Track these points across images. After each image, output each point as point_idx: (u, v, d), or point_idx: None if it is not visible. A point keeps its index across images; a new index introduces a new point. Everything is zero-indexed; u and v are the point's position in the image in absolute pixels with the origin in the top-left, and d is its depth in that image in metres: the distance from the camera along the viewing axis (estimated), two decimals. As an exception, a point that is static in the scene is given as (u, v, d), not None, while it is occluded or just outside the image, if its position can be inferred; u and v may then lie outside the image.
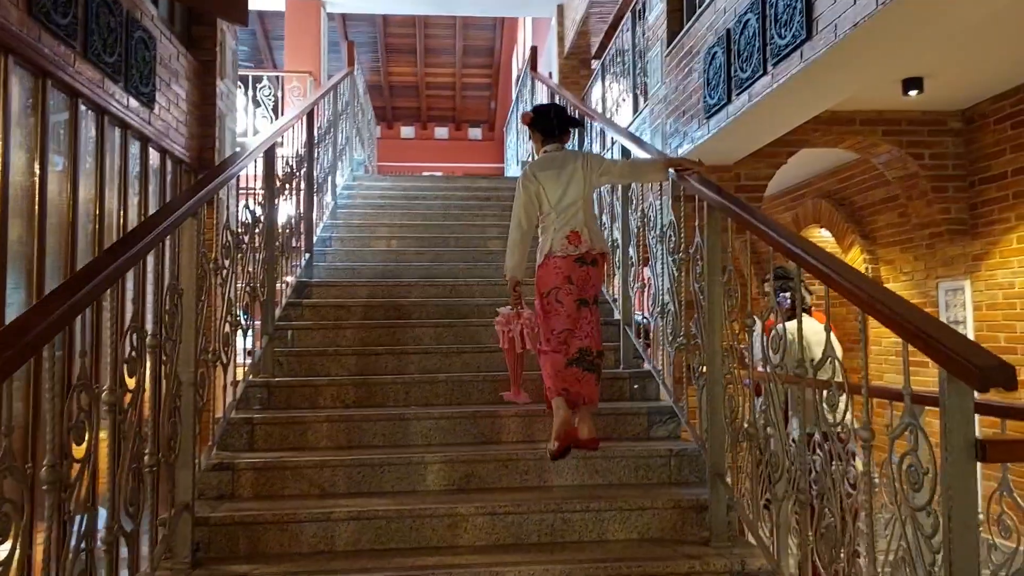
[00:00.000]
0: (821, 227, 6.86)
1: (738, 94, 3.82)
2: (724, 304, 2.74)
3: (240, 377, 3.52)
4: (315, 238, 5.44)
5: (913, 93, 4.36)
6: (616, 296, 4.41)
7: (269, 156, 3.97)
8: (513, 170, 10.24)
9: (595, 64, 9.44)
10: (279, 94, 9.66)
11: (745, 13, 3.71)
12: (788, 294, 4.09)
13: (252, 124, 9.50)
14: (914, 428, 1.59)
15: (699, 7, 4.69)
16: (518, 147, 9.51)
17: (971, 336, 5.04)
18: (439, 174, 17.27)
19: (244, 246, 3.47)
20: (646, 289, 3.99)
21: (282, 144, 4.63)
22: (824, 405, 2.01)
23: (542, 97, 7.77)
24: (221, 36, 5.03)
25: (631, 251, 3.98)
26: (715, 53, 4.15)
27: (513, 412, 3.46)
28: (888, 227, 5.93)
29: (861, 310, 1.78)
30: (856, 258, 6.23)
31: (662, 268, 3.53)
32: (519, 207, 3.21)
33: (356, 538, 2.75)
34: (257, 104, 9.61)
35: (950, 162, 5.06)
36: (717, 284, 2.79)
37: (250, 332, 3.59)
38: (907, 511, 1.62)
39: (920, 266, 5.45)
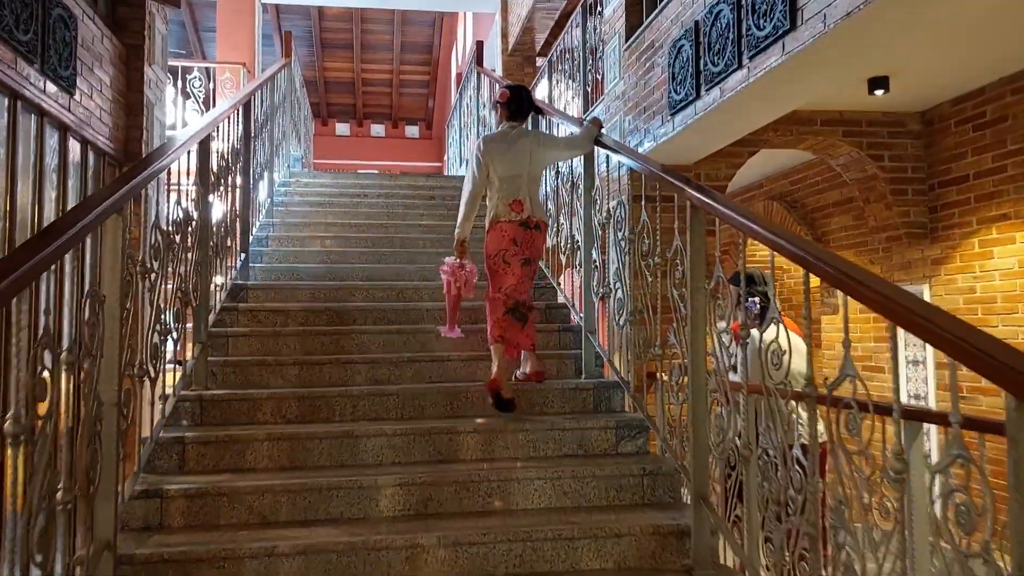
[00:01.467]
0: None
1: (708, 89, 3.64)
2: (710, 313, 2.54)
3: (170, 390, 3.17)
4: (251, 237, 5.07)
5: (879, 92, 4.27)
6: (574, 300, 4.19)
7: (203, 148, 3.61)
8: (456, 169, 9.97)
9: (540, 62, 9.24)
10: (210, 86, 9.17)
11: (717, 3, 3.54)
12: (757, 299, 3.92)
13: (181, 117, 8.99)
14: (966, 462, 1.39)
15: None
16: (461, 144, 9.24)
17: (930, 349, 5.00)
18: (377, 172, 16.92)
19: (175, 246, 3.13)
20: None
21: (216, 138, 4.28)
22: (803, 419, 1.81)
23: (487, 92, 7.52)
24: (150, 19, 4.63)
25: (594, 253, 3.76)
26: (681, 47, 3.97)
27: (472, 428, 3.21)
28: (842, 230, 5.88)
29: (893, 323, 1.59)
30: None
31: (625, 269, 3.33)
32: (470, 175, 3.60)
33: None
34: (187, 96, 9.10)
35: (909, 164, 5.01)
36: (700, 291, 2.59)
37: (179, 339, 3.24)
38: (951, 554, 1.43)
39: (876, 270, 5.39)
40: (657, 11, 4.39)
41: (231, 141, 4.50)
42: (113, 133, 4.28)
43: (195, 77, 8.73)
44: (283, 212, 6.12)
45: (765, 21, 3.10)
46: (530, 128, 3.98)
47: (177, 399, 3.23)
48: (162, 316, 2.92)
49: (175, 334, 3.09)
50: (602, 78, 6.54)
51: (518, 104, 3.67)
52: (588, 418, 3.41)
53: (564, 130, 4.54)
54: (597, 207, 3.69)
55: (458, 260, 3.76)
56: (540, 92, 7.80)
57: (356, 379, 3.73)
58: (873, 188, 5.15)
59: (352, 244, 5.55)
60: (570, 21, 7.57)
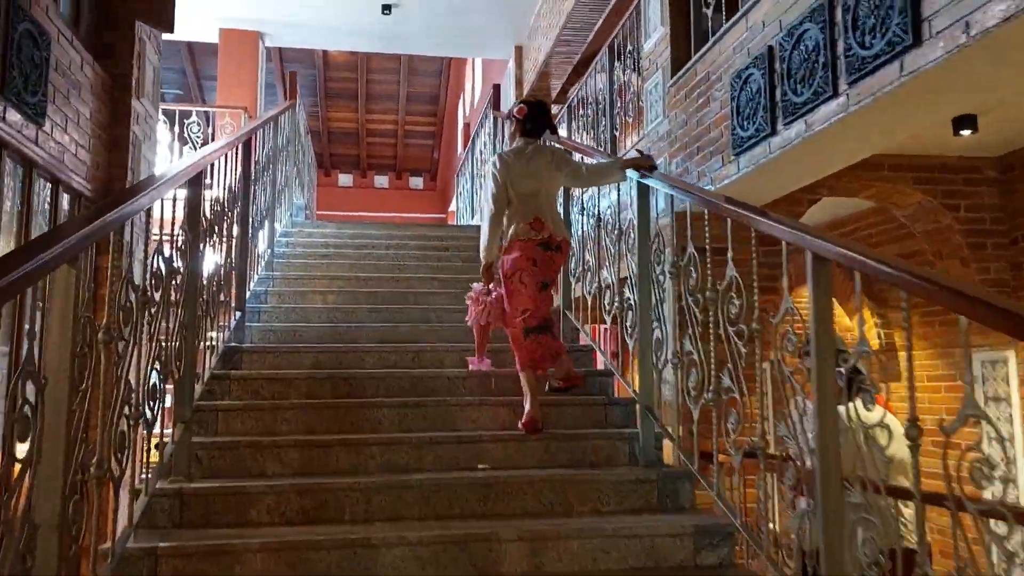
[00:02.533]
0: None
1: (787, 123, 3.10)
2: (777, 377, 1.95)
3: (144, 477, 2.54)
4: (248, 293, 4.49)
5: (965, 133, 3.73)
6: (616, 368, 3.60)
7: (195, 188, 3.05)
8: (466, 219, 9.45)
9: (556, 109, 8.80)
10: (210, 131, 8.69)
11: (800, 23, 3.02)
12: (842, 369, 3.30)
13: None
14: None
15: (714, 28, 4.02)
16: (472, 194, 8.73)
17: (1018, 416, 4.39)
18: (384, 222, 16.45)
19: (154, 306, 2.54)
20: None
21: (211, 185, 3.73)
22: None
23: (506, 135, 7.02)
24: (140, 47, 4.11)
25: (667, 325, 3.17)
26: (748, 77, 3.45)
27: (516, 535, 2.58)
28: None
29: None
30: (865, 323, 5.58)
31: (695, 332, 2.74)
32: (488, 194, 3.44)
33: None
34: (184, 142, 8.61)
35: (988, 215, 4.47)
36: (830, 368, 2.00)
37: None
38: None
39: (948, 333, 4.81)
40: (712, 41, 3.89)
41: (228, 183, 3.96)
42: (92, 172, 3.73)
43: (193, 122, 8.25)
44: (285, 264, 5.55)
45: (874, 37, 2.57)
46: (545, 145, 3.64)
47: (150, 496, 2.59)
48: (133, 396, 2.32)
49: (150, 414, 2.48)
50: (631, 119, 6.05)
51: (535, 121, 3.56)
52: (656, 519, 2.78)
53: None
54: (659, 259, 3.11)
55: (485, 286, 3.59)
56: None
57: (369, 465, 3.11)
58: (947, 241, 4.59)
59: (360, 300, 4.96)
60: (593, 65, 7.12)
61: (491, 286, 3.57)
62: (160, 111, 8.60)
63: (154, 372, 2.61)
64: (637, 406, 3.44)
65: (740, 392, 2.45)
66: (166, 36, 9.92)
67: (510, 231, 3.40)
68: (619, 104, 6.36)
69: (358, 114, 17.28)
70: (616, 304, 3.62)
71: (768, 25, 3.36)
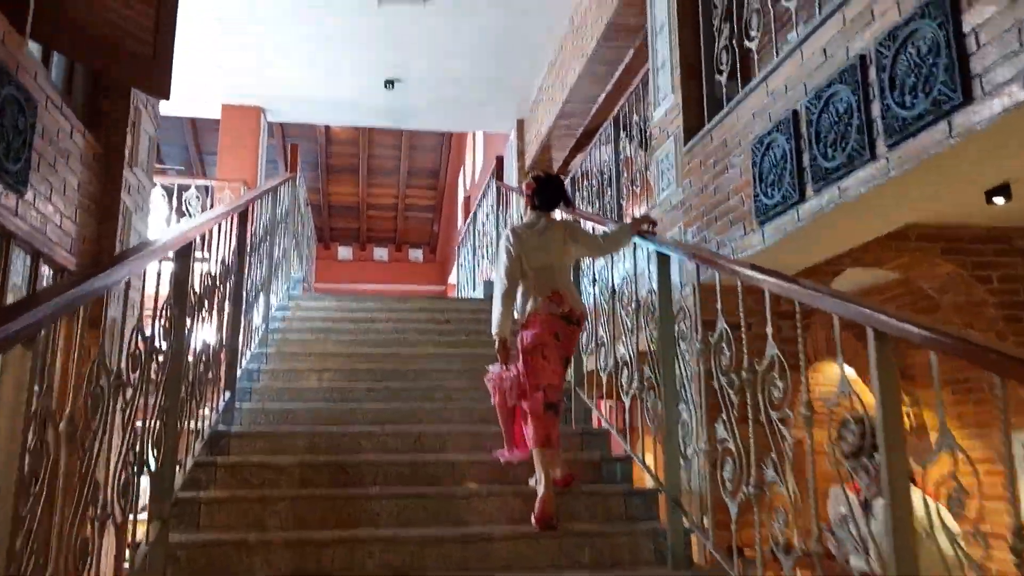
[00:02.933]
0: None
1: (818, 189, 2.91)
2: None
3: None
4: (240, 370, 4.23)
5: (999, 201, 3.54)
6: (637, 455, 3.32)
7: (182, 260, 2.83)
8: (467, 291, 9.25)
9: (561, 181, 8.69)
10: (209, 204, 8.55)
11: (828, 85, 2.85)
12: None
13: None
14: None
15: (729, 94, 3.88)
16: (474, 266, 8.55)
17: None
18: (384, 295, 16.26)
19: (131, 389, 2.29)
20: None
21: (204, 258, 3.53)
22: None
23: (514, 207, 6.89)
24: (135, 116, 3.96)
25: (693, 406, 2.91)
26: (771, 142, 3.27)
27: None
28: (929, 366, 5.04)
29: None
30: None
31: (731, 416, 2.47)
32: (502, 269, 3.33)
33: None
34: (183, 215, 8.47)
35: (1021, 286, 4.25)
36: (902, 464, 1.74)
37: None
38: None
39: (984, 413, 4.53)
40: (730, 107, 3.74)
41: (222, 255, 3.75)
42: (78, 245, 3.51)
43: (192, 195, 8.12)
44: (280, 340, 5.31)
45: (916, 96, 2.39)
46: (558, 218, 3.62)
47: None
48: (101, 495, 2.05)
49: (120, 514, 2.19)
50: (638, 189, 5.90)
51: (545, 195, 3.52)
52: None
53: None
54: (683, 335, 2.87)
55: (503, 365, 3.37)
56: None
57: (367, 565, 2.80)
58: (980, 315, 4.36)
59: (359, 378, 4.70)
60: (597, 136, 7.03)
61: (509, 366, 3.35)
62: (159, 184, 8.53)
63: (128, 464, 2.34)
64: (660, 495, 3.16)
65: (788, 487, 2.17)
66: (169, 111, 9.92)
67: (528, 306, 3.29)
68: (625, 174, 6.23)
69: (359, 188, 17.29)
70: (636, 384, 3.36)
71: (792, 89, 3.20)
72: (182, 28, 7.28)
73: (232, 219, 3.98)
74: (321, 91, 8.69)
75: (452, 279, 16.53)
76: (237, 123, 8.81)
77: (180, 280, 2.85)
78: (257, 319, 4.97)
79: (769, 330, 2.35)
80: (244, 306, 4.26)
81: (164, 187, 8.17)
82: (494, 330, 3.32)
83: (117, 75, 3.58)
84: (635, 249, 3.81)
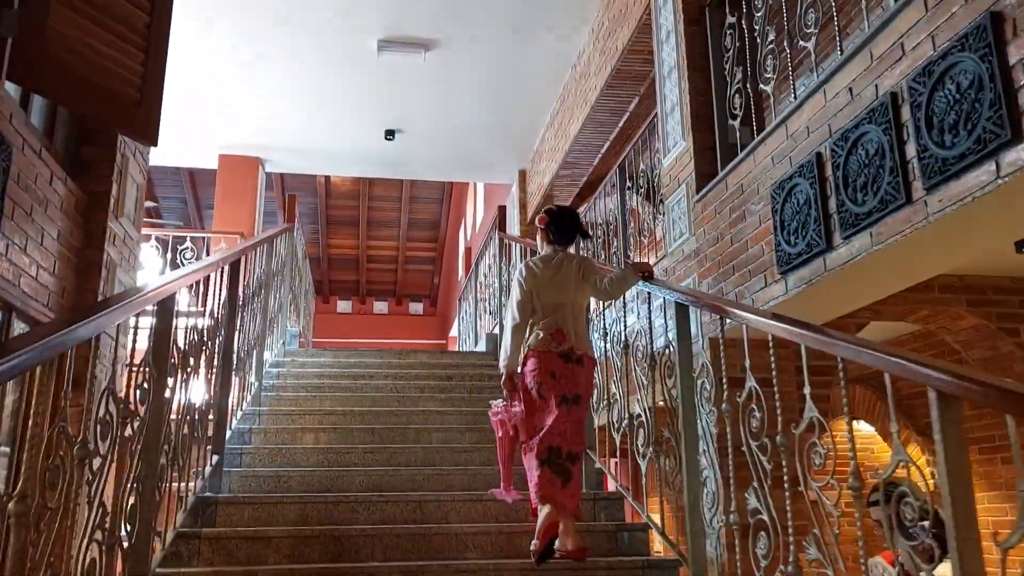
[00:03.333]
0: (856, 419, 5.71)
1: (848, 236, 2.71)
2: None
3: None
4: (229, 431, 3.99)
5: (1033, 250, 3.35)
6: (658, 526, 3.05)
7: (163, 315, 2.62)
8: (467, 345, 9.03)
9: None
10: (204, 256, 8.37)
11: (856, 126, 2.68)
12: (926, 522, 2.76)
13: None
14: None
15: (743, 140, 3.72)
16: (476, 319, 8.33)
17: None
18: (383, 350, 15.99)
19: (97, 459, 2.05)
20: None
21: (194, 312, 3.32)
22: None
23: (515, 258, 6.69)
24: (122, 163, 3.79)
25: (716, 469, 2.67)
26: (794, 187, 3.09)
27: None
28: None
29: None
30: (916, 460, 5.04)
31: (764, 482, 2.22)
32: (514, 303, 3.26)
33: None
34: (176, 267, 8.29)
35: (1052, 339, 4.04)
36: (975, 547, 1.50)
37: None
38: None
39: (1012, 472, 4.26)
40: (746, 151, 3.57)
41: (211, 309, 3.54)
42: (56, 299, 3.30)
43: (187, 247, 7.95)
44: (274, 398, 5.06)
45: (957, 135, 2.20)
46: (574, 253, 3.49)
47: None
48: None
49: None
50: (646, 240, 5.72)
51: (559, 228, 3.41)
52: None
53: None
54: (705, 394, 2.65)
55: (507, 402, 3.26)
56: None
57: (362, 653, 2.52)
58: (1007, 369, 4.13)
59: (356, 439, 4.44)
60: (602, 186, 6.90)
61: (513, 403, 3.24)
62: (153, 237, 8.37)
63: (95, 544, 2.09)
64: (681, 569, 2.89)
65: (833, 569, 1.92)
66: (165, 161, 9.83)
67: (530, 340, 3.19)
68: (632, 225, 6.07)
69: (359, 240, 17.18)
70: (652, 448, 3.12)
71: (814, 131, 3.03)
72: (179, 76, 7.27)
73: (223, 270, 3.79)
74: (321, 141, 8.60)
75: (453, 332, 16.30)
76: (234, 173, 8.69)
77: (161, 335, 2.63)
78: (250, 377, 4.74)
79: (807, 390, 2.13)
80: (235, 363, 4.03)
81: (158, 239, 8.01)
82: (501, 362, 3.27)
83: (102, 119, 3.41)
84: (649, 299, 3.61)
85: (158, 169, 13.81)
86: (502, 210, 6.90)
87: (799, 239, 3.05)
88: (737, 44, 3.94)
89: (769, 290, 3.29)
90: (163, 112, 3.56)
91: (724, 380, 2.66)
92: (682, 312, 2.96)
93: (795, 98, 3.27)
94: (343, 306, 18.28)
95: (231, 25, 6.50)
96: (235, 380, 4.08)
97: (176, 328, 2.79)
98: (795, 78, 3.42)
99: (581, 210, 9.74)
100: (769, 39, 3.55)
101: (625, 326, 3.90)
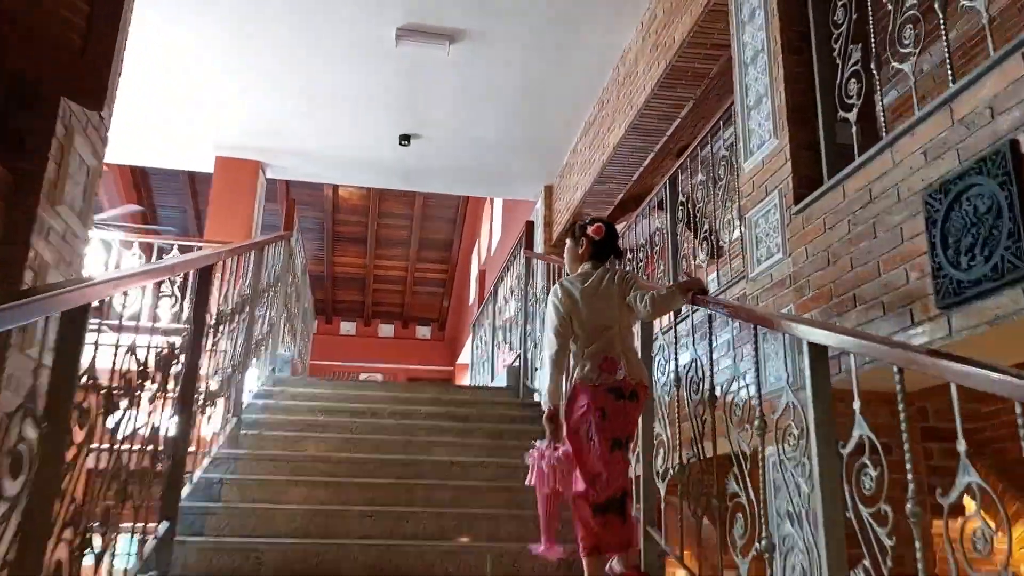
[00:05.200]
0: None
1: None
2: None
3: None
4: (189, 487, 3.12)
5: None
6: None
7: (73, 328, 1.78)
8: (479, 376, 8.14)
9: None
10: (193, 269, 7.52)
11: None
12: None
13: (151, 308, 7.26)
14: None
15: (861, 142, 2.87)
16: (493, 349, 7.44)
17: None
18: (388, 382, 15.19)
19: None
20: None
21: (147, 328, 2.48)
22: None
23: (541, 278, 5.84)
24: (65, 137, 2.95)
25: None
26: (965, 191, 2.25)
27: None
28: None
29: None
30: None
31: None
32: (550, 328, 2.89)
33: None
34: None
35: None
36: None
37: None
38: None
39: None
40: (880, 146, 2.71)
41: (166, 326, 2.68)
42: (-45, 308, 2.42)
43: (172, 257, 7.10)
44: (255, 438, 4.18)
45: None
46: (613, 267, 3.08)
47: None
48: None
49: None
50: (703, 262, 4.85)
51: (607, 245, 3.06)
52: None
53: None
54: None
55: (550, 443, 2.79)
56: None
57: None
58: None
59: (352, 496, 3.57)
60: (647, 202, 6.04)
61: (558, 443, 2.80)
62: (135, 244, 7.54)
63: None
64: None
65: None
66: (160, 163, 9.02)
67: (575, 373, 2.83)
68: (685, 247, 5.20)
69: (366, 259, 16.34)
70: (764, 541, 2.23)
71: (1003, 112, 2.17)
72: (170, 62, 6.49)
73: (187, 279, 2.94)
74: (328, 144, 7.78)
75: (463, 359, 15.43)
76: (232, 177, 7.87)
77: (65, 361, 1.78)
78: (220, 417, 3.87)
79: (962, 447, 1.27)
80: (200, 397, 3.17)
81: (143, 247, 7.18)
82: (543, 399, 2.91)
83: (29, 70, 2.58)
84: (710, 324, 2.74)
85: (156, 174, 13.06)
86: (529, 225, 6.05)
87: (978, 261, 2.18)
88: (854, 15, 3.11)
89: (919, 330, 2.41)
90: (149, 99, 2.73)
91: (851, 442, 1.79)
92: (819, 357, 2.08)
93: (951, 73, 2.43)
94: (347, 328, 17.40)
95: (228, 8, 5.71)
96: (201, 420, 3.22)
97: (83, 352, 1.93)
98: (952, 49, 2.57)
99: (620, 230, 8.92)
100: (908, 2, 2.72)
101: (676, 359, 3.03)
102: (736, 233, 5.11)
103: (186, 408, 2.94)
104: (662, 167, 7.79)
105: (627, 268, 3.18)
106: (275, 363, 5.54)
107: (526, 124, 7.25)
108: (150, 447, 2.54)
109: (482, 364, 7.99)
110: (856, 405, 1.91)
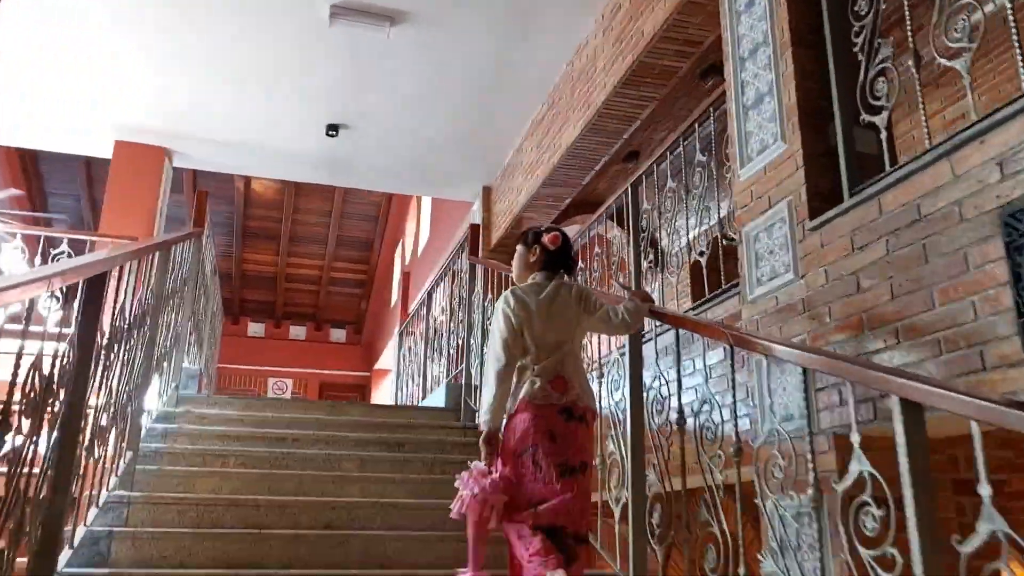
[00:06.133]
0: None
1: None
2: None
3: None
4: (70, 551, 2.44)
5: None
6: None
7: None
8: (406, 390, 7.53)
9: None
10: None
11: None
12: None
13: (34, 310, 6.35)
14: None
15: (891, 150, 2.46)
16: (425, 359, 6.85)
17: None
18: (311, 402, 14.36)
19: None
20: None
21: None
22: None
23: (480, 287, 5.29)
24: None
25: None
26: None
27: None
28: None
29: None
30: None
31: None
32: (499, 341, 2.61)
33: None
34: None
35: None
36: None
37: None
38: None
39: None
40: (935, 155, 2.29)
41: (61, 353, 2.02)
42: None
43: (62, 252, 6.22)
44: (153, 476, 3.48)
45: None
46: (568, 280, 2.87)
47: None
48: None
49: None
50: (673, 275, 4.42)
51: (561, 256, 2.82)
52: None
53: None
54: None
55: (487, 464, 2.57)
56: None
57: None
58: None
59: (269, 549, 2.95)
60: (602, 212, 5.60)
61: (494, 465, 2.58)
62: (18, 236, 6.61)
63: None
64: None
65: None
66: (48, 146, 8.02)
67: (521, 391, 2.59)
68: (650, 257, 4.76)
69: (279, 257, 15.41)
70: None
71: None
72: (69, 34, 5.65)
73: (78, 291, 2.28)
74: (246, 132, 7.02)
75: (381, 364, 14.70)
76: (134, 165, 7.01)
77: None
78: (119, 442, 3.18)
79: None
80: (89, 434, 2.50)
81: (25, 238, 6.28)
82: (483, 417, 2.61)
83: None
84: (731, 357, 2.29)
85: (48, 158, 11.84)
86: (475, 229, 5.49)
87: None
88: (883, 4, 2.71)
89: (990, 376, 2.00)
90: (40, 73, 2.09)
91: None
92: (912, 411, 1.62)
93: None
94: (255, 329, 16.38)
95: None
96: (83, 461, 2.55)
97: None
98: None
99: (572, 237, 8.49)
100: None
101: (680, 394, 2.58)
102: (684, 241, 4.73)
103: (67, 452, 2.28)
104: (609, 172, 7.39)
105: (582, 282, 2.91)
106: (179, 379, 4.81)
107: (467, 119, 6.69)
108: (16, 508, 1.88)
109: (412, 378, 7.38)
110: (855, 439, 1.75)
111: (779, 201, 2.97)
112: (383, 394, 14.39)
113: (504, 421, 2.61)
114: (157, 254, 3.70)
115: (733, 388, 2.35)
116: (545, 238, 2.80)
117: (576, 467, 2.51)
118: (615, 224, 5.84)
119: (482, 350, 5.09)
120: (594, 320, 2.73)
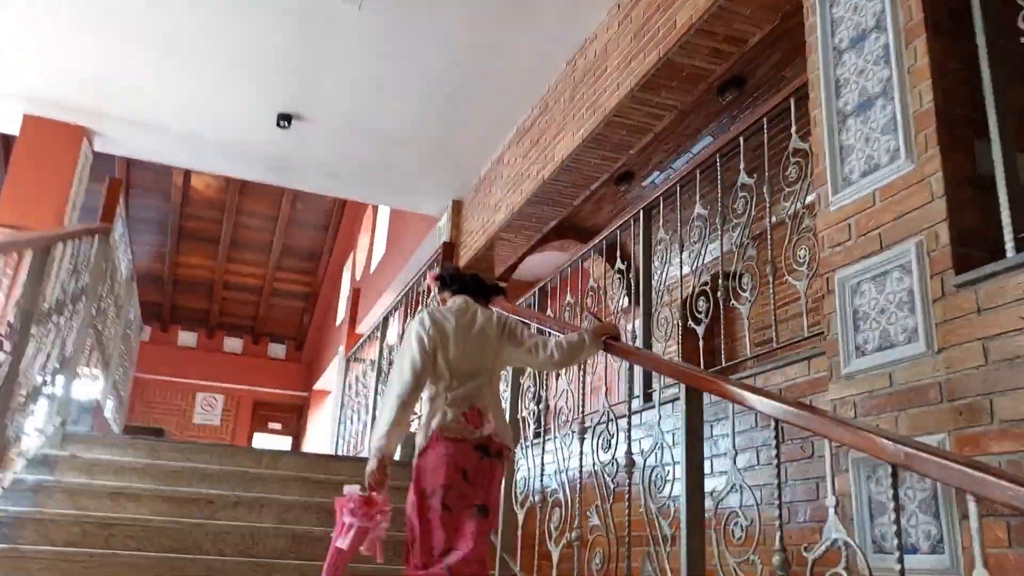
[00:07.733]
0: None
1: None
2: None
3: None
4: None
5: None
6: None
7: None
8: (355, 428, 6.60)
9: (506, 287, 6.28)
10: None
11: None
12: None
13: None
14: None
15: None
16: (376, 386, 5.92)
17: None
18: (232, 447, 13.24)
19: None
20: None
21: None
22: None
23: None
24: None
25: None
26: None
27: None
28: None
29: None
30: None
31: None
32: (407, 362, 2.45)
33: None
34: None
35: None
36: None
37: None
38: None
39: None
40: None
41: None
42: None
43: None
44: (5, 558, 2.50)
45: None
46: (492, 309, 2.69)
47: None
48: None
49: None
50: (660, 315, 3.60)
51: (463, 281, 2.74)
52: None
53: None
54: None
55: (369, 491, 2.33)
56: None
57: None
58: None
59: None
60: (600, 240, 4.79)
61: (376, 493, 2.33)
62: None
63: None
64: None
65: None
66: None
67: (433, 422, 2.40)
68: (663, 298, 3.94)
69: (216, 262, 14.23)
70: None
71: None
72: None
73: None
74: (181, 115, 6.00)
75: (321, 385, 13.60)
76: (44, 144, 5.94)
77: None
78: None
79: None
80: None
81: None
82: (374, 443, 2.37)
83: None
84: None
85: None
86: (448, 248, 4.66)
87: None
88: (1079, -21, 1.94)
89: None
90: None
91: None
92: None
93: None
94: (186, 338, 15.09)
95: None
96: None
97: None
98: None
99: (535, 264, 7.69)
100: None
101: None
102: (672, 272, 3.94)
103: None
104: (596, 194, 6.59)
105: (508, 315, 2.51)
106: (65, 414, 3.79)
107: (442, 120, 5.79)
108: None
109: (356, 413, 6.42)
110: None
111: (899, 242, 2.16)
112: (322, 417, 13.30)
113: (415, 455, 2.43)
114: (29, 254, 2.72)
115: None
116: (429, 275, 2.88)
117: (485, 507, 2.39)
118: (603, 258, 5.05)
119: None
120: (519, 352, 2.61)
